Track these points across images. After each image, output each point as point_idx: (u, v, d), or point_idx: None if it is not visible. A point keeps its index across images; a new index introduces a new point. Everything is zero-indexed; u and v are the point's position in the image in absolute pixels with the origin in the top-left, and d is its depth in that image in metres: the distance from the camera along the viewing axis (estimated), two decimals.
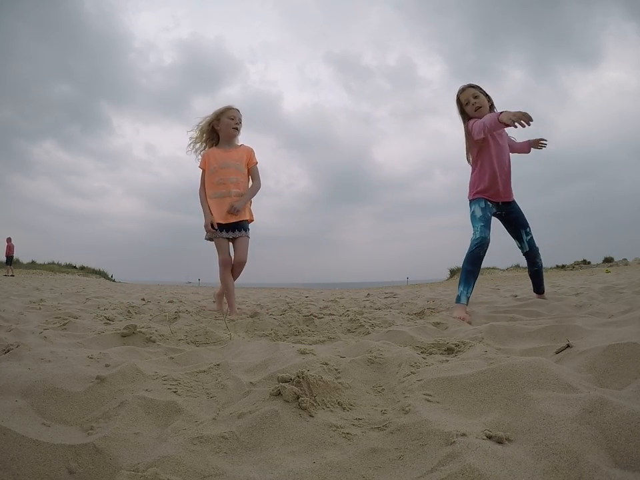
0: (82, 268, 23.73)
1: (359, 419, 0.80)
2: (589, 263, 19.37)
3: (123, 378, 0.99)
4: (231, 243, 2.86)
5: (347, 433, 0.73)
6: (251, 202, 2.91)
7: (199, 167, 2.86)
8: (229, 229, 2.79)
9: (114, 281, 22.29)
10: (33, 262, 21.83)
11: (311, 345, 1.56)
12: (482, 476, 0.53)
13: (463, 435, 0.64)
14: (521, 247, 2.68)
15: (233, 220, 2.76)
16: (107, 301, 4.03)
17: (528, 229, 2.64)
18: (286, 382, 0.85)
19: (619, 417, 0.62)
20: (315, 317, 2.39)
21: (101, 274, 23.84)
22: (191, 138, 2.92)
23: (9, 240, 15.92)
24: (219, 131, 2.86)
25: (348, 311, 2.86)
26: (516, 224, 2.65)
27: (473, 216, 2.51)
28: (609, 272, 10.84)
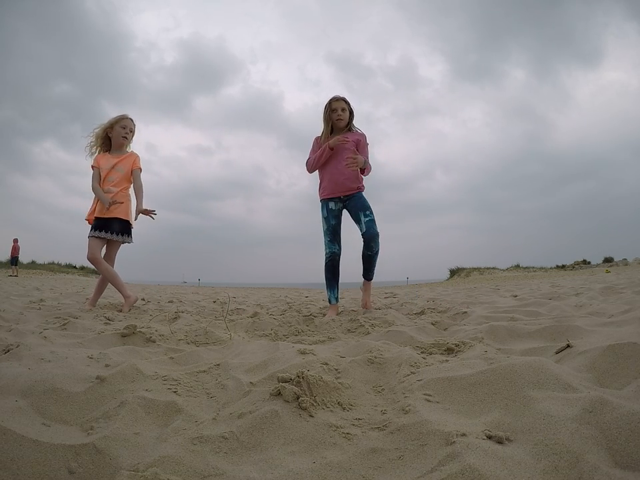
0: (82, 268, 23.72)
1: (358, 418, 0.80)
2: (589, 262, 19.37)
3: (123, 378, 0.99)
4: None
5: (347, 433, 0.73)
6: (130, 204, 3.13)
7: (92, 165, 3.09)
8: (105, 229, 3.00)
9: None
10: (33, 262, 21.84)
11: (310, 345, 1.56)
12: (482, 476, 0.53)
13: (463, 435, 0.64)
14: (360, 228, 2.79)
15: (109, 215, 2.97)
16: (107, 301, 4.03)
17: (368, 212, 2.76)
18: (286, 382, 0.85)
19: (619, 417, 0.62)
20: (315, 316, 2.39)
21: None
22: (89, 142, 3.15)
23: (15, 241, 15.96)
24: (111, 137, 3.12)
25: (346, 310, 2.86)
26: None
27: None
28: (609, 272, 10.84)
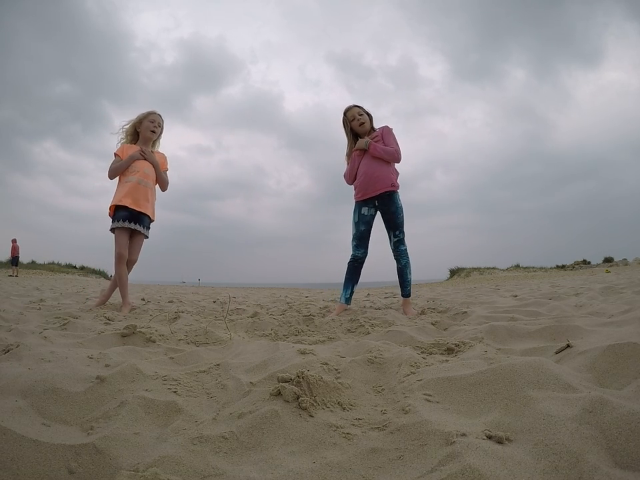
0: (82, 268, 23.73)
1: (358, 418, 0.80)
2: (589, 262, 19.37)
3: (123, 378, 0.99)
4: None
5: (347, 433, 0.73)
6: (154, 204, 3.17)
7: (115, 153, 3.07)
8: (133, 220, 2.98)
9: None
10: (33, 262, 21.83)
11: (311, 345, 1.56)
12: (482, 476, 0.53)
13: (463, 435, 0.64)
14: (390, 245, 2.91)
15: (138, 208, 2.97)
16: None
17: (397, 232, 2.85)
18: (286, 382, 0.85)
19: (619, 417, 0.62)
20: (315, 316, 2.39)
21: (101, 274, 23.85)
22: (120, 140, 3.19)
23: (14, 241, 15.97)
24: (139, 132, 3.16)
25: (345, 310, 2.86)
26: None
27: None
28: (609, 272, 10.84)
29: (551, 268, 19.94)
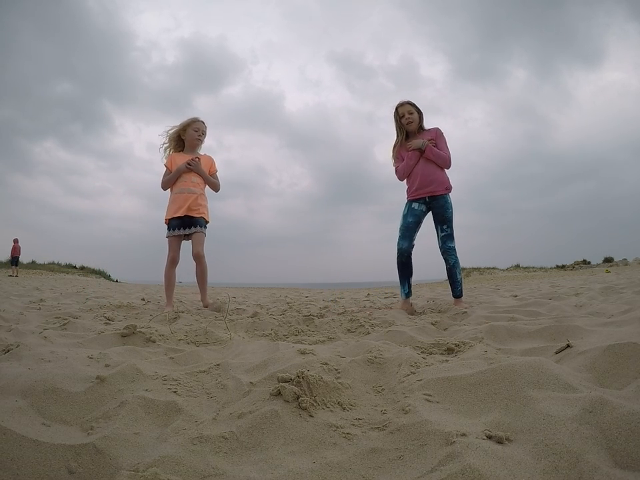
0: (82, 268, 23.73)
1: (358, 418, 0.80)
2: (589, 262, 19.37)
3: (123, 378, 0.99)
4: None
5: (347, 433, 0.73)
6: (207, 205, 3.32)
7: (165, 165, 3.26)
8: (183, 226, 3.14)
9: (116, 281, 22.29)
10: (33, 262, 21.83)
11: (311, 345, 1.56)
12: (482, 476, 0.53)
13: (463, 435, 0.64)
14: (437, 242, 2.95)
15: (190, 213, 3.13)
16: (107, 301, 4.03)
17: (445, 226, 2.88)
18: (286, 382, 0.85)
19: (619, 417, 0.62)
20: (315, 316, 2.39)
21: (101, 274, 23.84)
22: (162, 144, 3.35)
23: (15, 241, 15.97)
24: (184, 139, 3.29)
25: (345, 310, 2.86)
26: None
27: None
28: (609, 272, 10.84)
29: (550, 268, 19.94)
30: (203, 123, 3.31)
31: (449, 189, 2.87)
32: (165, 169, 3.24)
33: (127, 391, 0.93)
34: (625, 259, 17.40)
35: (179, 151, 3.30)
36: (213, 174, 3.34)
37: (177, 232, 3.13)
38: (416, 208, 2.91)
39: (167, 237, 3.19)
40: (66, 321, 2.03)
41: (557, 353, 1.13)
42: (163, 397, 0.89)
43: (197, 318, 2.46)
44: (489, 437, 0.64)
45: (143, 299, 4.55)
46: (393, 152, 3.05)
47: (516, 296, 3.79)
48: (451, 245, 2.85)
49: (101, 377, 0.96)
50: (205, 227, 3.24)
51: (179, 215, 3.11)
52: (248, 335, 1.98)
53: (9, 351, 1.26)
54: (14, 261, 15.66)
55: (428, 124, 3.00)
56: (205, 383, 1.03)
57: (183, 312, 2.76)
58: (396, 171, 3.04)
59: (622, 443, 0.59)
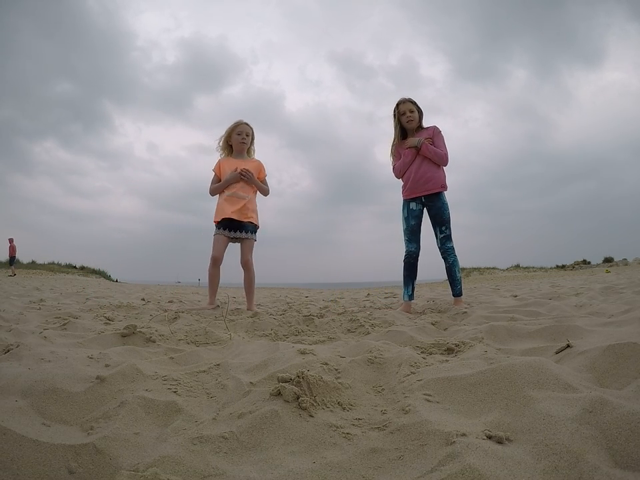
0: (82, 268, 23.73)
1: (358, 418, 0.80)
2: (589, 262, 19.37)
3: (123, 378, 0.99)
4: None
5: (347, 433, 0.73)
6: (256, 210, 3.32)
7: (213, 170, 3.31)
8: (232, 228, 3.15)
9: (116, 281, 22.29)
10: (33, 262, 21.83)
11: (311, 345, 1.56)
12: (482, 476, 0.53)
13: (463, 435, 0.64)
14: (436, 242, 2.99)
15: (238, 217, 3.14)
16: (107, 301, 4.03)
17: (444, 227, 2.91)
18: (286, 382, 0.85)
19: (619, 417, 0.62)
20: (315, 316, 2.39)
21: (101, 274, 23.84)
22: (220, 155, 3.41)
23: (11, 240, 15.97)
24: (232, 144, 3.32)
25: (345, 310, 2.86)
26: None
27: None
28: (609, 272, 10.84)
29: (550, 268, 19.94)
30: (247, 124, 3.28)
31: (444, 187, 2.88)
32: (213, 174, 3.27)
33: (127, 391, 0.93)
34: (625, 259, 17.41)
35: (228, 154, 3.34)
36: (262, 179, 3.33)
37: (223, 232, 3.14)
38: (414, 209, 2.93)
39: (213, 235, 3.20)
40: (66, 321, 2.03)
41: (557, 353, 1.13)
42: (163, 397, 0.89)
43: (196, 318, 2.46)
44: (489, 437, 0.64)
45: (143, 299, 4.55)
46: (392, 150, 3.07)
47: (516, 296, 3.79)
48: (450, 245, 2.88)
49: (101, 377, 0.96)
50: (255, 233, 3.26)
51: (227, 217, 3.12)
52: (248, 335, 1.98)
53: (8, 351, 1.26)
54: (11, 260, 15.68)
55: (428, 124, 3.01)
56: (205, 383, 1.03)
57: (182, 312, 2.76)
58: (393, 169, 3.07)
59: (622, 442, 0.59)
